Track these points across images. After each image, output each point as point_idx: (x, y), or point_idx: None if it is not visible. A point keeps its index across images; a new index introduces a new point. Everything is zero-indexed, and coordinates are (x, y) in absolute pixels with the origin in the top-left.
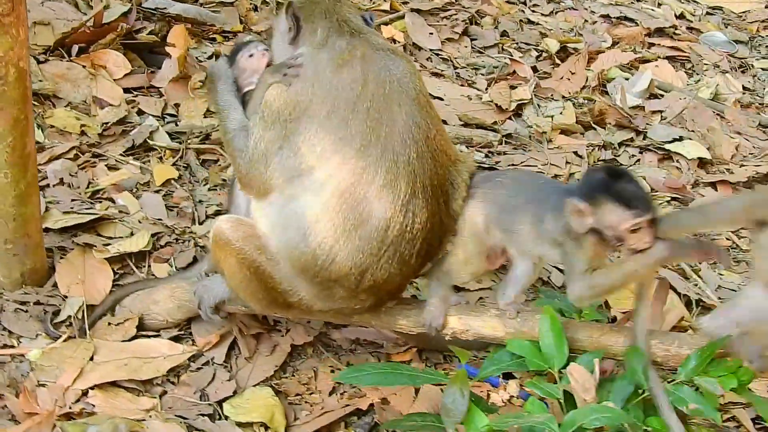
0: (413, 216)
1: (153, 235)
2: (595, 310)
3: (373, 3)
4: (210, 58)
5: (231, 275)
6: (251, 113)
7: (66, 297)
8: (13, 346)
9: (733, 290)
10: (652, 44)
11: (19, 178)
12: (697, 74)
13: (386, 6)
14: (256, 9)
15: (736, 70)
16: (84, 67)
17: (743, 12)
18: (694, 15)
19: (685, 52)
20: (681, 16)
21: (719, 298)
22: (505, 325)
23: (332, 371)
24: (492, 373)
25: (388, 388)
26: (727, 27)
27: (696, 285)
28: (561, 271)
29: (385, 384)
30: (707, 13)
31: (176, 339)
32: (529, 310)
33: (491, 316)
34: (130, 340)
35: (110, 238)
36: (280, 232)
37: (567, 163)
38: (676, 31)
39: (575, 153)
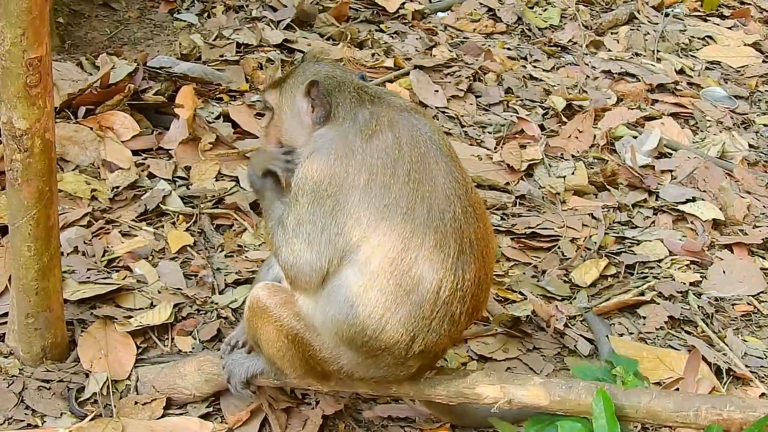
0: (463, 273)
1: (174, 306)
2: (636, 377)
3: (377, 60)
4: (218, 118)
5: (268, 343)
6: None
7: (89, 373)
8: (36, 426)
9: (760, 357)
10: (656, 100)
11: (42, 251)
12: (702, 131)
13: (389, 63)
14: (261, 67)
15: (739, 127)
16: (91, 129)
17: (741, 66)
18: (693, 70)
19: (688, 108)
20: (681, 71)
21: (747, 366)
22: (551, 393)
23: None
24: None
25: None
26: (726, 82)
27: (724, 354)
28: (588, 340)
29: None
30: (706, 68)
31: (205, 416)
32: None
33: (535, 384)
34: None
35: (129, 309)
36: (324, 305)
37: (584, 225)
38: (678, 87)
39: (591, 215)
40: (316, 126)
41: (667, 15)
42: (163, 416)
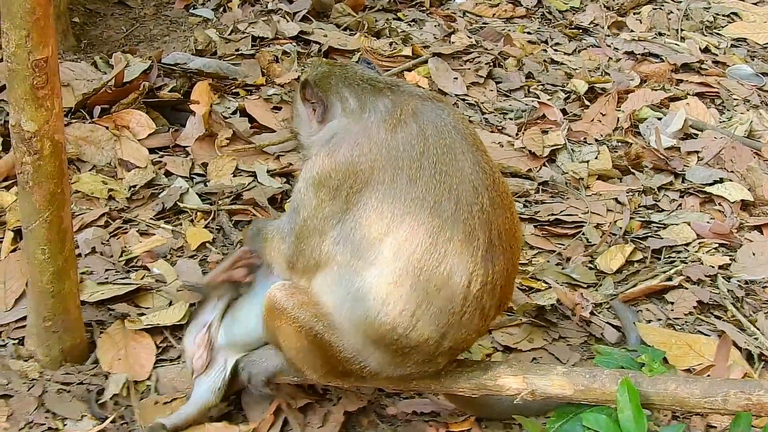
0: (493, 266)
1: (192, 305)
2: (662, 364)
3: (394, 49)
4: (234, 113)
5: (286, 344)
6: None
7: (109, 374)
8: (57, 429)
9: None
10: (680, 81)
11: (56, 254)
12: (729, 110)
13: (407, 51)
14: (277, 60)
15: (766, 105)
16: (107, 128)
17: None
18: (718, 48)
19: (713, 87)
20: (706, 50)
21: None
22: (574, 383)
23: None
24: None
25: None
26: (753, 59)
27: (755, 338)
28: (615, 327)
29: None
30: (732, 46)
31: (226, 415)
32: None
33: (558, 374)
34: None
35: (148, 309)
36: (351, 305)
37: (608, 210)
38: (703, 66)
39: (615, 200)
40: (322, 124)
41: None
42: None
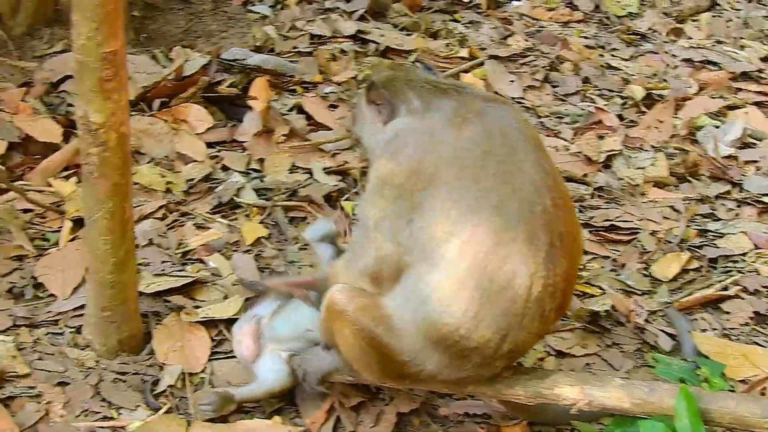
0: (554, 267)
1: (247, 299)
2: (722, 378)
3: (451, 50)
4: (291, 110)
5: (344, 346)
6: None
7: (164, 365)
8: (112, 418)
9: None
10: (739, 89)
11: (118, 245)
12: None
13: (464, 53)
14: (334, 58)
15: None
16: (166, 121)
17: None
18: None
19: None
20: (765, 59)
21: None
22: (632, 395)
23: None
24: None
25: None
26: None
27: None
28: (670, 335)
29: None
30: None
31: (278, 411)
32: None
33: (615, 386)
34: (229, 415)
35: (203, 301)
36: (414, 307)
37: (664, 218)
38: (762, 75)
39: (671, 207)
40: (386, 126)
41: (750, 1)
42: (236, 410)
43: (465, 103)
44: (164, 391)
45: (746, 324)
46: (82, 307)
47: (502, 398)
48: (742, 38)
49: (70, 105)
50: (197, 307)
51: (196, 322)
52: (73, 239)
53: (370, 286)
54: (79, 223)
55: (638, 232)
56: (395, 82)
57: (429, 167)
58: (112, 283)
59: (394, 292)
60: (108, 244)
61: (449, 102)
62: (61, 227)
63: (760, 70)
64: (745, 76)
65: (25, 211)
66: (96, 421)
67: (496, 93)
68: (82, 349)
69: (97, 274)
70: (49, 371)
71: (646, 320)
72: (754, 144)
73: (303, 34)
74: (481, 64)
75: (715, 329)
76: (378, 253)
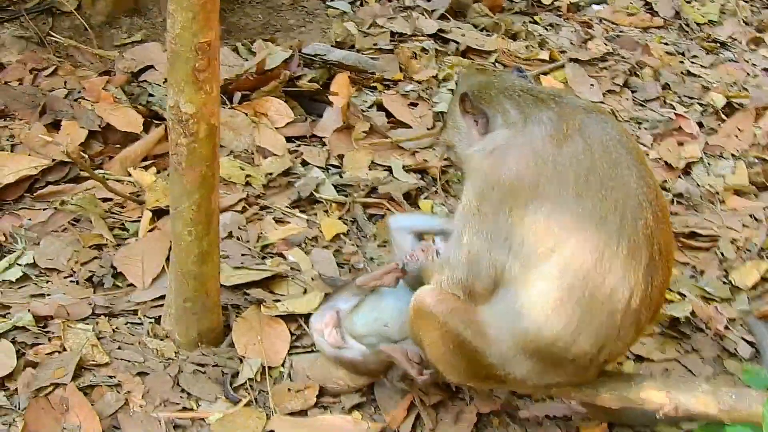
0: (653, 280)
1: (326, 295)
2: None
3: (531, 52)
4: (371, 107)
5: (430, 346)
6: (457, 210)
7: (243, 358)
8: (192, 409)
9: None
10: None
11: (202, 236)
12: None
13: (544, 56)
14: (415, 57)
15: None
16: (246, 114)
17: None
18: None
19: None
20: None
21: None
22: (719, 402)
23: None
24: None
25: None
26: None
27: None
28: (749, 343)
29: None
30: None
31: (358, 406)
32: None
33: (703, 392)
34: (308, 409)
35: (282, 295)
36: (512, 318)
37: (744, 226)
38: None
39: (752, 216)
40: (482, 136)
41: None
42: (315, 405)
43: (565, 115)
44: (243, 384)
45: None
46: (161, 297)
47: (587, 401)
48: None
49: (150, 95)
50: (277, 300)
51: (276, 316)
52: (152, 230)
53: (462, 296)
54: (158, 214)
55: (718, 240)
56: (490, 91)
57: (530, 184)
58: (195, 275)
59: (489, 303)
60: (192, 235)
61: (548, 114)
62: (140, 217)
63: None
64: None
65: (105, 200)
66: (176, 412)
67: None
68: (162, 340)
69: (180, 265)
70: (129, 361)
71: (726, 327)
72: None
73: (384, 32)
74: (562, 66)
75: None
76: (472, 270)
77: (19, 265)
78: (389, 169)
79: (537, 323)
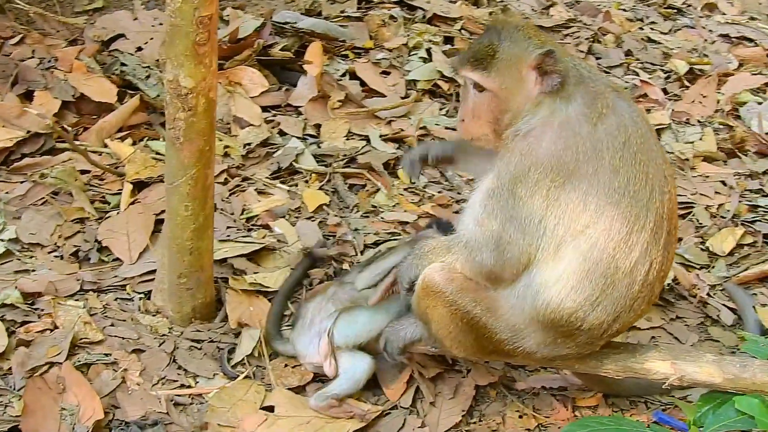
0: (668, 254)
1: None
2: None
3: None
4: (344, 75)
5: (437, 324)
6: (485, 191)
7: (238, 333)
8: (189, 386)
9: None
10: None
11: (198, 211)
12: None
13: None
14: (384, 24)
15: None
16: (220, 83)
17: None
18: None
19: None
20: None
21: None
22: (723, 371)
23: (520, 416)
24: (717, 430)
25: None
26: None
27: None
28: (731, 309)
29: None
30: None
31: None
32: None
33: (708, 361)
34: (306, 385)
35: (273, 268)
36: (533, 292)
37: (716, 193)
38: None
39: (722, 182)
40: (539, 98)
41: None
42: (312, 380)
43: (600, 94)
44: (241, 360)
45: None
46: (149, 272)
47: (591, 372)
48: None
49: (123, 64)
50: (256, 273)
51: (250, 290)
52: (133, 202)
53: (484, 281)
54: (138, 186)
55: (692, 207)
56: (565, 57)
57: (569, 162)
58: (191, 250)
59: (514, 287)
60: (189, 210)
61: (587, 90)
62: (120, 190)
63: None
64: None
65: (83, 172)
66: (174, 389)
67: None
68: (154, 316)
69: (176, 241)
70: (123, 338)
71: (708, 294)
72: None
73: None
74: None
75: None
76: (501, 256)
77: (2, 240)
78: (366, 139)
79: (560, 296)
